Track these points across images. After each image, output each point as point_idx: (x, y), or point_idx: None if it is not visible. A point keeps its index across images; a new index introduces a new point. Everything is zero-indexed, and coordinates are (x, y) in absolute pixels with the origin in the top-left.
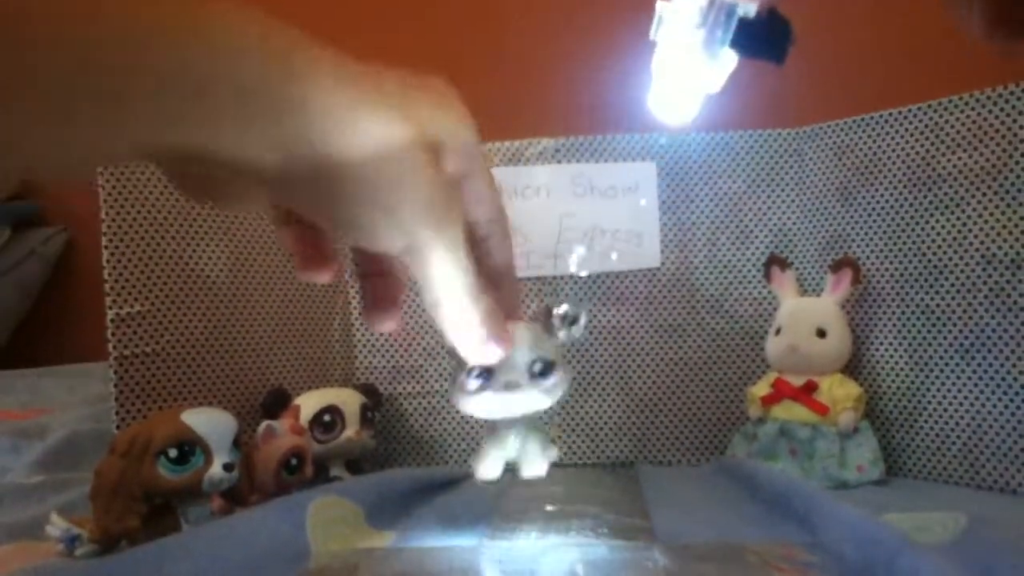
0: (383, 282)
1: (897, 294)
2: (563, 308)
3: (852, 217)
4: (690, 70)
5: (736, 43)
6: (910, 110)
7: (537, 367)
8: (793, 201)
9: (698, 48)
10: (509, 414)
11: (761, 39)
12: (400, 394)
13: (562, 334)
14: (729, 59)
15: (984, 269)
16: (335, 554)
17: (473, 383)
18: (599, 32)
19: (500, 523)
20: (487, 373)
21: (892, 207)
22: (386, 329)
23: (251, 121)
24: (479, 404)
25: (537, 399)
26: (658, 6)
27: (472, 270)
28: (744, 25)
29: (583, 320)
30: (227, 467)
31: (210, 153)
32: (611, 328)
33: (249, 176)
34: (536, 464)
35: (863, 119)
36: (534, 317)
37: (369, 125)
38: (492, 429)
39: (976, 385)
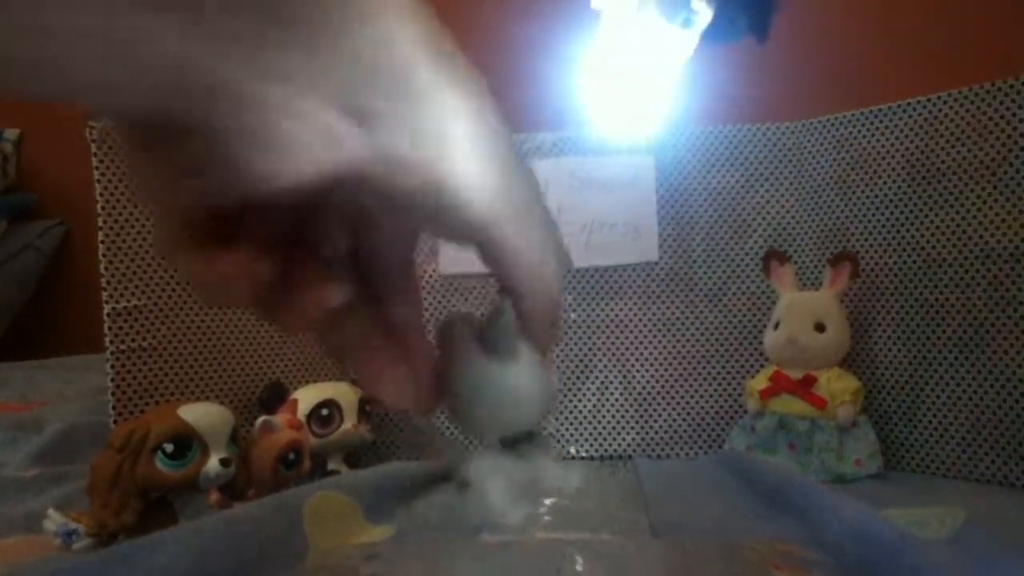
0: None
1: (896, 288)
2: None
3: (851, 211)
4: (650, 42)
5: None
6: (909, 104)
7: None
8: (792, 195)
9: (658, 8)
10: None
11: None
12: None
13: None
14: (703, 12)
15: (983, 263)
16: (333, 550)
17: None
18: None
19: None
20: None
21: (891, 201)
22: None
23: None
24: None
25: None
26: None
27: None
28: None
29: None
30: (224, 462)
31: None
32: (609, 322)
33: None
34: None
35: (862, 113)
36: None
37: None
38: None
39: (975, 379)
